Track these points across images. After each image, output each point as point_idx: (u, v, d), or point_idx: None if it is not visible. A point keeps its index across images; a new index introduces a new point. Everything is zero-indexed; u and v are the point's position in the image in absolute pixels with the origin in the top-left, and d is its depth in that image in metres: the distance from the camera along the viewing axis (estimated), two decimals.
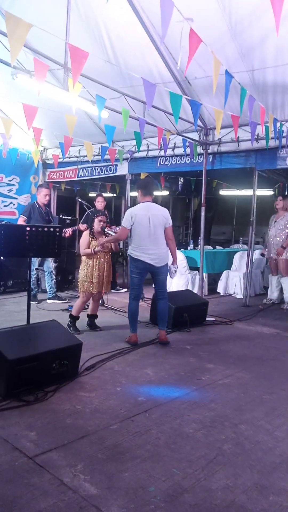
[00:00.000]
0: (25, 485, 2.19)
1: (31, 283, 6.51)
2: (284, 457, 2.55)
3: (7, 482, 2.20)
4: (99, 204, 7.23)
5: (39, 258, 6.72)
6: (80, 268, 5.08)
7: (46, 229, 4.41)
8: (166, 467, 2.40)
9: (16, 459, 2.43)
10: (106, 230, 5.08)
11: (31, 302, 4.96)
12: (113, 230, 5.61)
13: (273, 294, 7.38)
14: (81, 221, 7.13)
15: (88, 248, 4.98)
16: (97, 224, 5.03)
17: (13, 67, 4.11)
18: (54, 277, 6.97)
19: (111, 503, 2.07)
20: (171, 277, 5.11)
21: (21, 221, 6.77)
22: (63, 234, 6.35)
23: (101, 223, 5.03)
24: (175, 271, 5.02)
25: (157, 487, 2.22)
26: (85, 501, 2.08)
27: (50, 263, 6.89)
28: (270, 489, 2.23)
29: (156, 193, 12.38)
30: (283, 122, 5.79)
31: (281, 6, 2.81)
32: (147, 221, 4.65)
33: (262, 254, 7.78)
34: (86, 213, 6.67)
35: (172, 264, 4.96)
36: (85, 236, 5.06)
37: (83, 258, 5.05)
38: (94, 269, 4.95)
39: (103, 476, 2.29)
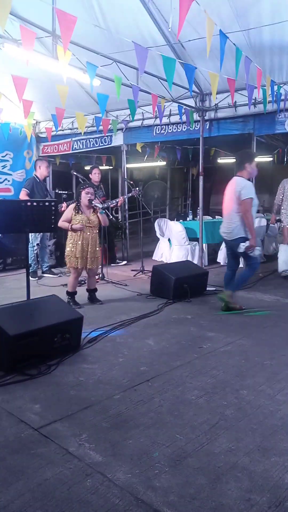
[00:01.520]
0: (31, 455, 2.23)
1: (31, 259, 6.55)
2: (285, 419, 2.59)
3: (14, 453, 2.25)
4: (96, 176, 7.14)
5: (41, 234, 6.71)
6: (66, 242, 5.05)
7: (41, 203, 4.36)
8: (169, 433, 2.44)
9: (22, 431, 2.47)
10: (93, 202, 4.99)
11: (31, 278, 4.98)
12: (103, 204, 5.53)
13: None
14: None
15: (69, 222, 4.91)
16: (84, 197, 4.95)
17: None
18: (48, 252, 7.04)
19: (116, 469, 2.11)
20: (238, 251, 4.83)
21: (24, 194, 6.69)
22: (58, 209, 6.30)
23: (89, 195, 4.95)
24: (244, 247, 4.67)
25: (161, 452, 2.26)
26: (90, 468, 2.12)
27: (45, 239, 6.94)
28: (272, 451, 2.28)
29: (153, 164, 12.26)
30: (281, 85, 5.61)
31: None
32: (226, 196, 4.84)
33: (277, 221, 7.01)
34: (79, 185, 6.59)
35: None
36: (69, 209, 4.99)
37: (69, 233, 5.00)
38: (78, 243, 4.91)
39: (108, 444, 2.34)
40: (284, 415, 2.64)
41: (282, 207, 6.71)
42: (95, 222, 5.02)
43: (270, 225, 8.60)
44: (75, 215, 4.92)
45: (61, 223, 4.92)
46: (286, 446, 2.31)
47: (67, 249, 5.00)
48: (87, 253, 4.96)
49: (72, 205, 5.01)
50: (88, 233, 4.96)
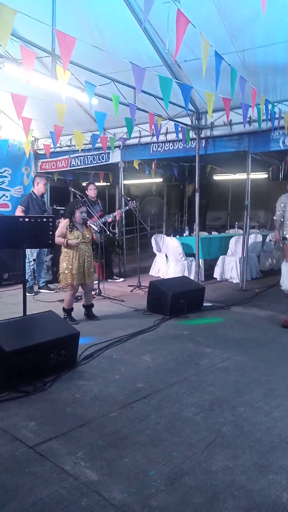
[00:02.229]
0: (26, 474, 2.20)
1: (28, 274, 6.54)
2: (282, 436, 2.57)
3: (9, 472, 2.22)
4: (92, 192, 7.21)
5: (37, 250, 6.73)
6: (61, 259, 5.02)
7: (39, 219, 4.38)
8: (166, 451, 2.42)
9: (16, 449, 2.44)
10: (88, 223, 5.04)
11: (28, 294, 4.97)
12: (95, 223, 5.58)
13: None
14: (65, 209, 7.10)
15: (63, 238, 4.90)
16: (78, 216, 4.99)
17: None
18: (45, 267, 7.13)
19: (113, 488, 2.09)
20: None
21: (19, 211, 6.72)
22: (58, 224, 6.33)
23: (83, 214, 4.98)
24: None
25: (157, 471, 2.24)
26: (86, 487, 2.09)
27: (42, 254, 7.00)
28: (269, 468, 2.26)
29: (149, 180, 12.36)
30: (275, 103, 5.72)
31: None
32: None
33: (283, 239, 6.15)
34: (71, 202, 6.63)
35: None
36: (63, 225, 4.98)
37: (63, 249, 4.98)
38: (74, 260, 4.89)
39: (104, 462, 2.31)
40: (282, 432, 2.62)
41: (286, 223, 6.48)
42: (89, 238, 5.06)
43: (267, 241, 8.64)
44: (70, 232, 4.94)
45: (57, 239, 4.90)
46: (284, 464, 2.30)
47: (63, 265, 4.95)
48: (83, 269, 4.96)
49: (66, 221, 5.00)
50: (84, 249, 4.98)
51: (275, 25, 4.67)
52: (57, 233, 4.92)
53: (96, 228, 5.06)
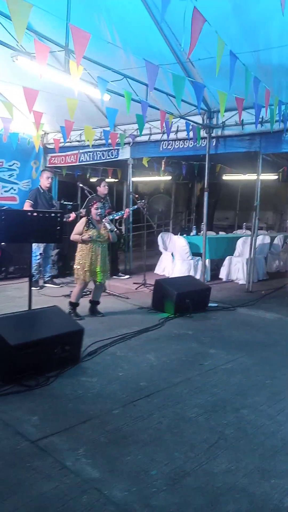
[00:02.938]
0: (27, 468, 2.20)
1: (34, 268, 6.55)
2: (286, 440, 2.55)
3: (10, 466, 2.22)
4: (104, 188, 7.17)
5: (44, 244, 6.73)
6: (76, 254, 5.10)
7: (47, 214, 4.38)
8: (168, 451, 2.41)
9: (18, 443, 2.44)
10: (103, 221, 5.05)
11: (33, 288, 4.97)
12: (109, 216, 5.58)
13: None
14: (83, 206, 7.08)
15: (80, 235, 4.98)
16: (94, 213, 5.02)
17: (13, 50, 4.02)
18: (50, 261, 7.16)
19: (113, 486, 2.08)
20: None
21: (27, 206, 6.72)
22: (66, 219, 6.33)
23: (98, 211, 5.01)
24: None
25: (159, 470, 2.23)
26: (87, 484, 2.09)
27: (48, 249, 7.02)
28: (272, 473, 2.24)
29: (158, 178, 12.34)
30: None
31: None
32: None
33: None
34: (88, 198, 6.62)
35: None
36: (81, 223, 5.05)
37: (79, 245, 5.05)
38: (88, 257, 4.96)
39: (105, 459, 2.30)
40: (285, 436, 2.60)
41: None
42: (105, 237, 5.06)
43: (275, 243, 8.58)
44: (86, 229, 4.96)
45: (73, 236, 5.02)
46: (286, 468, 2.28)
47: (76, 261, 5.04)
48: (96, 267, 4.97)
49: (84, 219, 5.05)
50: (98, 247, 4.99)
51: None
52: (74, 231, 5.04)
53: (109, 227, 5.04)
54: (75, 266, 5.06)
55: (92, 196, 5.98)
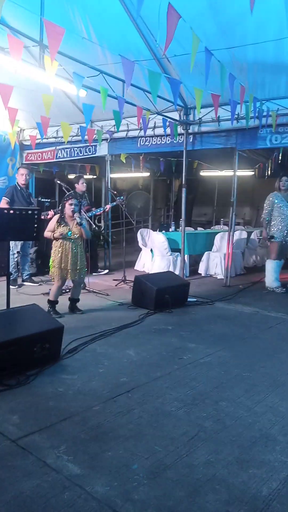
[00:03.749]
0: (8, 467, 2.19)
1: (12, 266, 6.47)
2: (263, 431, 2.62)
3: None
4: (83, 185, 7.12)
5: (21, 242, 6.65)
6: (51, 252, 5.10)
7: (24, 212, 4.33)
8: (149, 445, 2.44)
9: None
10: (75, 216, 5.02)
11: (11, 287, 4.91)
12: (86, 214, 5.56)
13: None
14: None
15: (52, 232, 4.98)
16: (67, 208, 5.00)
17: None
18: (29, 259, 7.10)
19: (95, 482, 2.10)
20: None
21: (4, 203, 6.62)
22: (44, 217, 6.26)
23: (72, 206, 5.00)
24: None
25: (140, 464, 2.25)
26: (68, 481, 2.10)
27: (26, 247, 6.96)
28: (250, 463, 2.29)
29: (136, 174, 12.35)
30: (263, 101, 5.75)
31: None
32: None
33: (271, 237, 6.64)
34: (65, 195, 6.58)
35: None
36: (53, 220, 5.06)
37: (53, 242, 5.04)
38: (62, 254, 4.95)
39: (86, 456, 2.31)
40: (263, 427, 2.67)
41: (272, 222, 6.64)
42: (77, 234, 5.03)
43: (252, 238, 8.71)
44: (57, 226, 4.94)
45: (46, 233, 5.03)
46: (264, 459, 2.34)
47: (51, 258, 5.05)
48: (68, 264, 4.94)
49: (56, 217, 5.05)
50: (69, 244, 4.96)
51: (266, 23, 4.69)
52: (47, 227, 5.05)
53: (78, 220, 5.01)
54: (50, 264, 5.06)
55: (70, 193, 5.94)
